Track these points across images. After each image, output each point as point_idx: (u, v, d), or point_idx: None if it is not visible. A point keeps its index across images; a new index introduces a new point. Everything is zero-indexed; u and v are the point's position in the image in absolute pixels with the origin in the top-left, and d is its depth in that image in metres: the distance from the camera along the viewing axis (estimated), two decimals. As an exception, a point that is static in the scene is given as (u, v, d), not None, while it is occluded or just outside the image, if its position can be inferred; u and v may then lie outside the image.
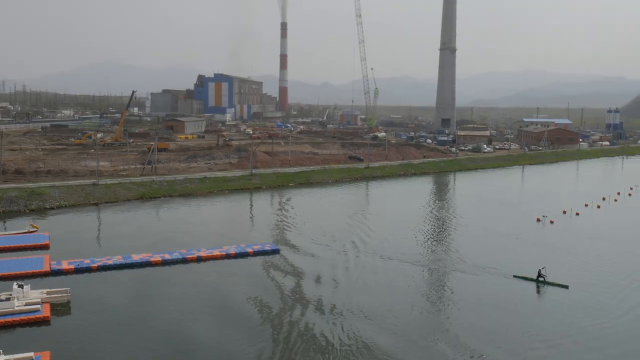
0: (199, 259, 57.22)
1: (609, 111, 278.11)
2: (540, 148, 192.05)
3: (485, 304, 46.78)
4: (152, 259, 55.88)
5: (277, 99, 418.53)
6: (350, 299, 46.85)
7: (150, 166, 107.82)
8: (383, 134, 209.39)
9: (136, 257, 56.00)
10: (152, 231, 69.63)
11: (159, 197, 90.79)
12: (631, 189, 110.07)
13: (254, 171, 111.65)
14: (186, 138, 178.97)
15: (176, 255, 57.30)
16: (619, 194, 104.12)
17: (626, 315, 45.08)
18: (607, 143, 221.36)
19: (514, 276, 53.58)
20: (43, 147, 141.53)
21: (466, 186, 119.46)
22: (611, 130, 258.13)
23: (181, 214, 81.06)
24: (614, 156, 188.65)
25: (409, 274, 54.11)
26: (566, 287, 51.02)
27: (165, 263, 55.77)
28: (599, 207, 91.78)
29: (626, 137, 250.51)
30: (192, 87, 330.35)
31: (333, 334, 40.09)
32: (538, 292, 50.51)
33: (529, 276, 52.88)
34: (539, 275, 52.27)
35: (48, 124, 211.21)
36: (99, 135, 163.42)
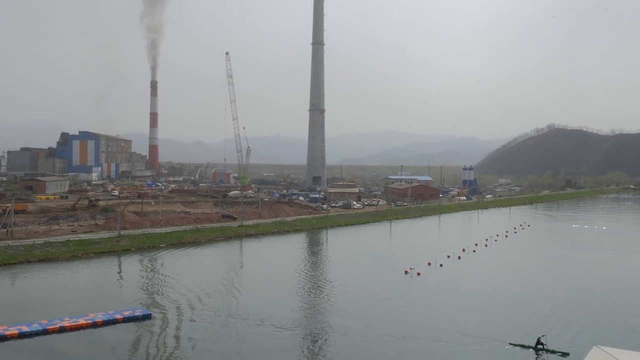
0: (62, 330, 53.30)
1: (464, 168, 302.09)
2: (406, 203, 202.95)
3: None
4: (7, 332, 51.19)
5: (147, 158, 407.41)
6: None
7: (5, 230, 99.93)
8: (236, 192, 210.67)
9: (-12, 331, 51.10)
10: (6, 301, 63.99)
11: (15, 264, 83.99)
12: (487, 240, 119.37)
13: (122, 232, 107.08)
14: (47, 199, 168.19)
15: (35, 327, 52.96)
16: (476, 245, 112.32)
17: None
18: (464, 198, 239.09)
19: (510, 344, 50.45)
20: None
21: (338, 242, 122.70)
22: (467, 186, 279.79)
23: (41, 280, 75.36)
24: (470, 210, 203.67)
25: (278, 338, 53.31)
26: (567, 354, 48.53)
27: (22, 336, 51.27)
28: (459, 258, 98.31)
29: (480, 192, 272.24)
30: (54, 145, 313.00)
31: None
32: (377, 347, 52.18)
33: (527, 344, 50.08)
34: (538, 342, 49.41)
35: None
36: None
